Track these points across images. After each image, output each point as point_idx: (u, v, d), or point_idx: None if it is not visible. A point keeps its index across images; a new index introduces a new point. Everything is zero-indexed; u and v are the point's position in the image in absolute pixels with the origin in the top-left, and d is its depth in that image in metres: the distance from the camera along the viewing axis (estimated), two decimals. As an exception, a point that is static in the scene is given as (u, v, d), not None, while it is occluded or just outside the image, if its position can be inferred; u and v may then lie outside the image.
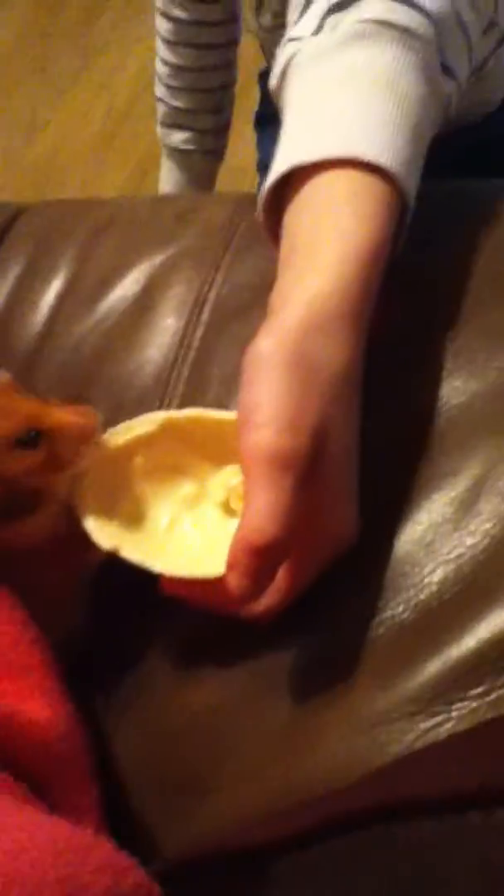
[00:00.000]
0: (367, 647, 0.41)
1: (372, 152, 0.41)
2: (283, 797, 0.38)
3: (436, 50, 0.46)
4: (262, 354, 0.38)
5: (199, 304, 0.57)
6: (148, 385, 0.55)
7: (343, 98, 0.44)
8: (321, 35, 0.47)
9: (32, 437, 0.42)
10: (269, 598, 0.40)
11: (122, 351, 0.57)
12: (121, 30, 1.97)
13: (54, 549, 0.44)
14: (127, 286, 0.60)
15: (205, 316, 0.56)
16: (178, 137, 1.11)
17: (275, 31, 0.96)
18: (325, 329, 0.39)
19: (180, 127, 1.10)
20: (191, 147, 1.12)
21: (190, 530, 0.45)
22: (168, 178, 1.16)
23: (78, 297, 0.61)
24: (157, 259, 0.60)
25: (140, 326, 0.58)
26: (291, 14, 0.50)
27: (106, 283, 0.61)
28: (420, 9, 0.45)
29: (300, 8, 0.49)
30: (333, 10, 0.47)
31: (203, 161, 1.14)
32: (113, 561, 0.43)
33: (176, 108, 1.09)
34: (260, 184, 1.13)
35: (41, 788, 0.37)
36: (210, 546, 0.43)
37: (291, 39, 0.48)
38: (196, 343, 0.55)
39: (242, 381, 0.39)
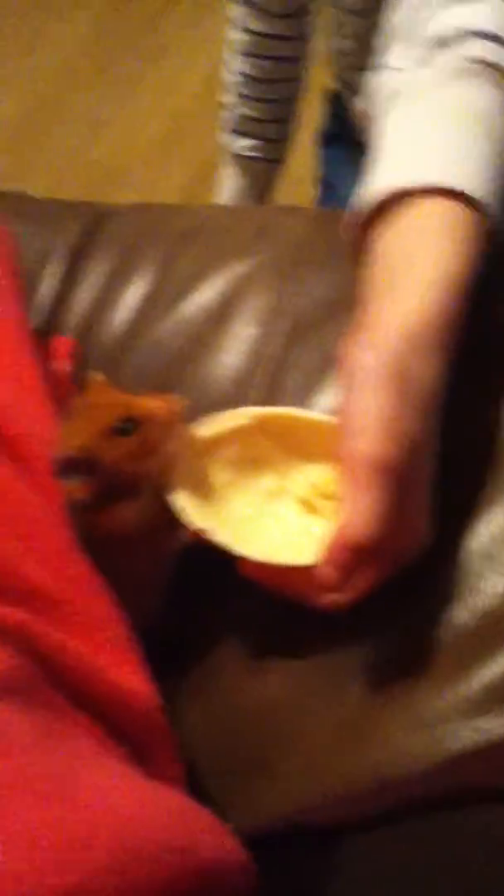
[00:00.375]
0: (430, 648, 0.44)
1: (470, 186, 0.44)
2: (347, 785, 0.41)
3: None
4: (364, 366, 0.41)
5: (276, 315, 0.60)
6: (226, 389, 0.58)
7: (444, 132, 0.47)
8: (425, 69, 0.49)
9: (128, 426, 0.46)
10: (343, 595, 0.43)
11: (200, 355, 0.60)
12: (186, 33, 2.00)
13: (144, 535, 0.47)
14: (208, 293, 0.63)
15: (281, 327, 0.59)
16: (244, 144, 1.14)
17: (351, 54, 0.99)
18: (421, 347, 0.42)
19: (246, 134, 1.13)
20: (257, 154, 1.14)
21: (269, 521, 0.48)
22: (228, 184, 1.19)
23: (161, 300, 0.65)
24: (238, 269, 0.63)
25: (219, 333, 0.61)
26: (388, 42, 0.53)
27: (188, 288, 0.64)
28: None
29: (400, 38, 0.51)
30: (438, 45, 0.49)
31: (267, 169, 1.17)
32: (191, 549, 0.47)
33: (243, 116, 1.12)
34: (323, 198, 1.16)
35: (141, 758, 0.40)
36: (288, 537, 0.47)
37: (390, 68, 0.51)
38: (272, 353, 0.58)
39: (343, 389, 0.42)
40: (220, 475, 0.49)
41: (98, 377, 0.50)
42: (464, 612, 0.44)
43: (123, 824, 0.28)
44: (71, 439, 0.45)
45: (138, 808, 0.30)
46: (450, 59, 0.48)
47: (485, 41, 0.48)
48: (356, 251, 0.50)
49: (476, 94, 0.47)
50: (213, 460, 0.49)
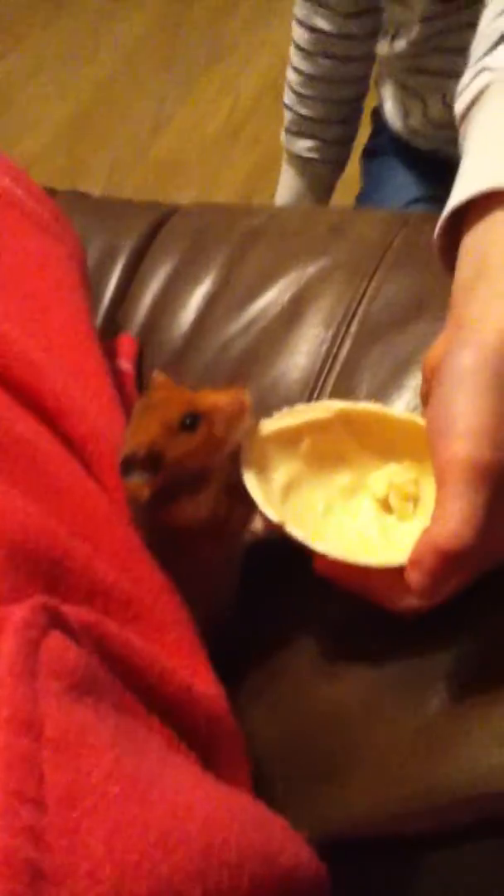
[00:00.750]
0: (510, 662, 0.42)
1: None
2: (419, 798, 0.40)
3: None
4: (464, 367, 0.40)
5: (348, 317, 0.59)
6: (293, 390, 0.58)
7: None
8: None
9: (192, 421, 0.45)
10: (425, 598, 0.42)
11: (269, 355, 0.60)
12: (250, 30, 2.00)
13: (211, 530, 0.47)
14: (277, 293, 0.62)
15: (353, 329, 0.58)
16: (303, 145, 1.13)
17: (406, 59, 0.97)
18: None
19: (305, 135, 1.12)
20: (314, 156, 1.13)
21: (344, 519, 0.47)
22: (287, 184, 1.18)
23: (227, 299, 0.64)
24: (309, 269, 0.62)
25: (288, 333, 0.60)
26: (479, 47, 0.51)
27: (256, 288, 0.63)
28: None
29: (493, 39, 0.50)
30: None
31: (324, 170, 1.16)
32: (259, 545, 0.46)
33: (303, 117, 1.11)
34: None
35: (209, 762, 0.39)
36: (363, 537, 0.46)
37: (485, 69, 0.49)
38: (343, 355, 0.57)
39: (437, 390, 0.40)
40: (294, 467, 0.48)
41: (160, 376, 0.49)
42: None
43: (205, 827, 0.28)
44: (135, 437, 0.45)
45: (218, 811, 0.29)
46: None
47: None
48: (444, 253, 0.48)
49: None
50: (288, 452, 0.48)
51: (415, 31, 0.94)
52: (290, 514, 0.45)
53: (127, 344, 0.67)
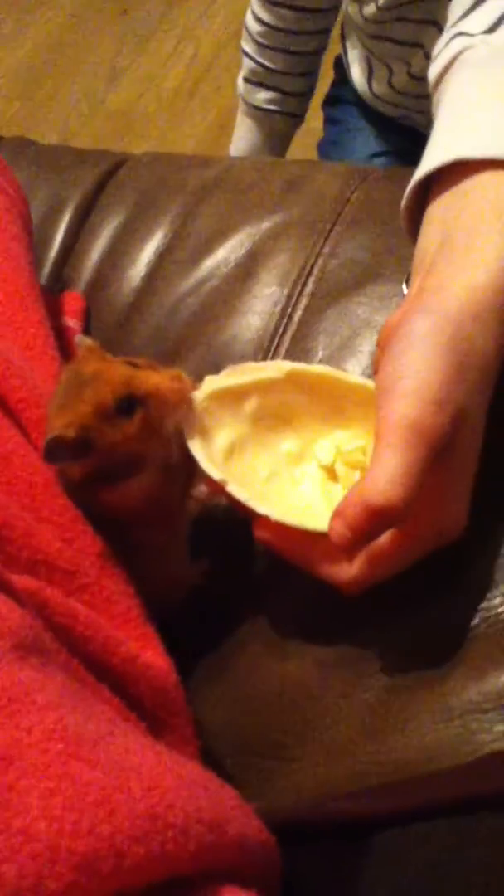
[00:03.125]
0: (462, 637, 0.41)
1: None
2: (369, 776, 0.39)
3: None
4: (417, 330, 0.38)
5: (303, 275, 0.56)
6: (247, 353, 0.55)
7: None
8: (496, 35, 0.46)
9: (129, 406, 0.42)
10: (361, 569, 0.41)
11: (221, 316, 0.57)
12: (209, -23, 1.93)
13: (153, 509, 0.44)
14: (230, 249, 0.60)
15: (309, 288, 0.56)
16: (262, 97, 1.09)
17: (372, 24, 0.94)
18: (484, 320, 0.39)
19: (266, 86, 1.08)
20: (273, 108, 1.10)
21: (287, 486, 0.45)
22: (244, 136, 1.15)
23: (178, 256, 0.61)
24: (263, 225, 0.59)
25: (241, 292, 0.57)
26: (456, 9, 0.49)
27: (208, 244, 0.61)
28: None
29: (469, 4, 0.48)
30: None
31: (283, 123, 1.12)
32: (212, 524, 0.44)
33: (264, 67, 1.07)
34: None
35: (158, 733, 0.38)
36: (307, 504, 0.44)
37: (460, 34, 0.47)
38: (298, 315, 0.55)
39: (389, 351, 0.39)
40: (238, 429, 0.45)
41: (87, 341, 0.45)
42: (497, 598, 0.42)
43: (150, 789, 0.27)
44: (63, 415, 0.41)
45: (166, 775, 0.28)
46: None
47: None
48: (410, 218, 0.47)
49: None
50: (233, 412, 0.45)
51: None
52: (232, 477, 0.42)
53: (73, 301, 0.64)
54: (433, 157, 0.44)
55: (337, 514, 0.38)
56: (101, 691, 0.37)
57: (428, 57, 0.87)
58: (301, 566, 0.43)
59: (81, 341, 0.45)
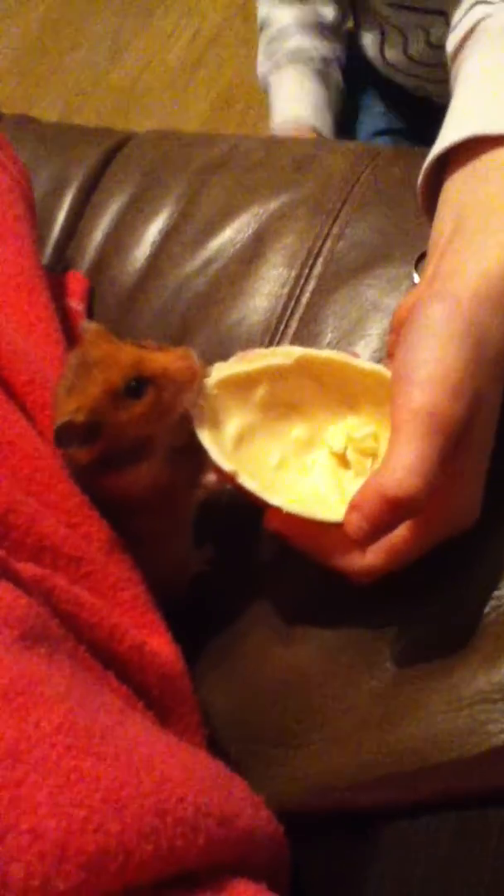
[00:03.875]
0: (472, 627, 0.41)
1: None
2: (376, 765, 0.38)
3: None
4: (432, 317, 0.38)
5: (312, 256, 0.55)
6: (253, 335, 0.54)
7: None
8: None
9: (138, 387, 0.41)
10: (374, 559, 0.40)
11: (228, 297, 0.56)
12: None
13: (159, 496, 0.44)
14: (236, 230, 0.59)
15: (317, 269, 0.55)
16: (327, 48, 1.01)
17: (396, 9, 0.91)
18: (498, 306, 0.38)
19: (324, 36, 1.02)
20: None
21: (297, 474, 0.44)
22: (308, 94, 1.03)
23: (184, 236, 0.60)
24: (271, 205, 0.58)
25: (248, 273, 0.57)
26: None
27: (214, 224, 0.59)
28: None
29: None
30: None
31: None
32: (219, 509, 0.43)
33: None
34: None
35: (164, 722, 0.38)
36: (317, 492, 0.43)
37: (481, 2, 0.46)
38: (306, 298, 0.54)
39: (405, 339, 0.38)
40: (248, 417, 0.44)
41: (93, 325, 0.44)
42: (509, 588, 0.41)
43: (160, 784, 0.26)
44: (73, 400, 0.41)
45: (176, 769, 0.27)
46: None
47: None
48: (427, 195, 0.46)
49: None
50: (242, 399, 0.44)
51: None
52: (241, 467, 0.42)
53: (76, 281, 0.63)
54: (449, 133, 0.43)
55: (353, 507, 0.37)
56: (108, 679, 0.37)
57: (448, 24, 0.85)
58: (312, 556, 0.42)
59: (87, 326, 0.44)
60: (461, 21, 0.47)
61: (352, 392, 0.44)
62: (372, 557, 0.40)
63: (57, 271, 0.63)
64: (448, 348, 0.37)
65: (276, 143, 0.62)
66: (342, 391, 0.44)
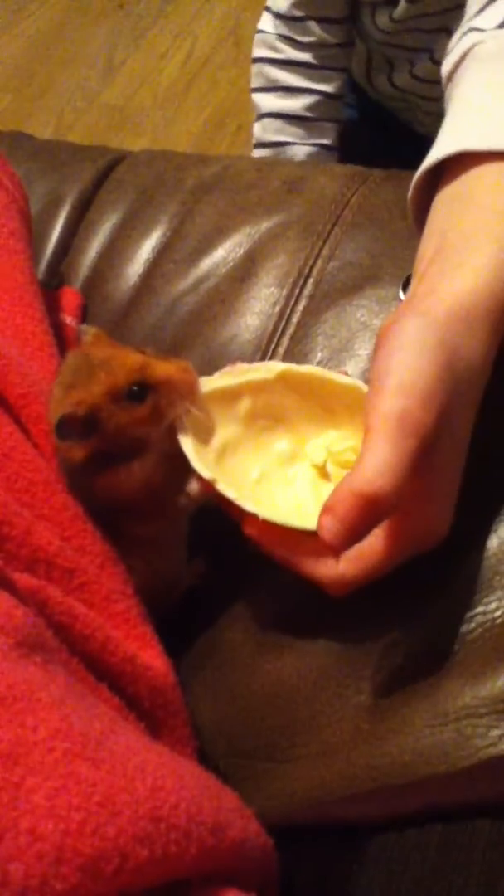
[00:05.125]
0: (457, 641, 0.41)
1: None
2: (363, 779, 0.39)
3: None
4: (407, 331, 0.39)
5: (302, 277, 0.56)
6: (244, 353, 0.55)
7: None
8: None
9: (141, 392, 0.42)
10: (346, 568, 0.41)
11: (219, 315, 0.57)
12: (207, -27, 1.92)
13: (149, 499, 0.45)
14: (229, 249, 0.60)
15: (308, 289, 0.56)
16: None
17: (388, 33, 0.92)
18: (470, 324, 0.39)
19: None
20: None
21: (279, 486, 0.45)
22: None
23: (177, 254, 0.61)
24: (263, 225, 0.59)
25: (240, 292, 0.57)
26: (471, 6, 0.49)
27: (207, 243, 0.60)
28: None
29: (485, 2, 0.48)
30: None
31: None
32: (208, 522, 0.44)
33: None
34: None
35: (155, 734, 0.38)
36: (298, 504, 0.44)
37: (473, 29, 0.47)
38: (297, 317, 0.55)
39: (380, 352, 0.39)
40: (231, 429, 0.46)
41: (93, 329, 0.46)
42: (493, 602, 0.42)
43: (154, 791, 0.27)
44: (74, 395, 0.42)
45: (169, 777, 0.28)
46: None
47: None
48: (418, 209, 0.47)
49: None
50: (226, 413, 0.46)
51: (400, 9, 0.89)
52: (222, 477, 0.43)
53: (70, 297, 0.63)
54: (439, 149, 0.44)
55: (326, 509, 0.37)
56: (100, 691, 0.37)
57: (434, 61, 0.86)
58: (287, 565, 0.43)
59: (86, 330, 0.46)
60: (455, 47, 0.49)
61: (332, 406, 0.45)
62: (345, 567, 0.41)
63: (51, 287, 0.64)
64: (420, 359, 0.38)
65: (268, 165, 0.64)
66: (323, 405, 0.45)
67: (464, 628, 0.41)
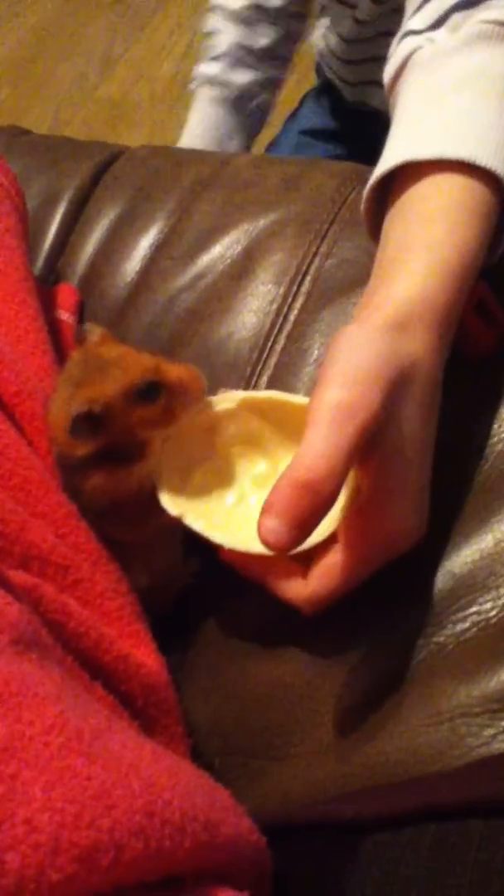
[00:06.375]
0: (452, 641, 0.41)
1: (483, 154, 0.42)
2: (357, 777, 0.39)
3: None
4: (347, 337, 0.40)
5: (300, 274, 0.56)
6: (241, 350, 0.55)
7: (460, 100, 0.45)
8: (442, 31, 0.47)
9: (154, 391, 0.42)
10: (314, 585, 0.41)
11: (217, 313, 0.57)
12: (205, -33, 1.91)
13: (138, 506, 0.45)
14: (226, 246, 0.59)
15: (305, 287, 0.56)
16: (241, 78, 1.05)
17: (340, 52, 0.94)
18: (408, 329, 0.40)
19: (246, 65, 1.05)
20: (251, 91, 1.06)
21: (255, 508, 0.45)
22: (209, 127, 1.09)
23: (174, 251, 0.61)
24: (260, 222, 0.59)
25: (237, 289, 0.57)
26: (409, 6, 0.50)
27: (204, 240, 0.60)
28: None
29: (419, 2, 0.49)
30: (460, 6, 0.47)
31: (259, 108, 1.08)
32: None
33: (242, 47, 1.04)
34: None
35: (149, 732, 0.38)
36: None
37: (410, 32, 0.48)
38: (294, 315, 0.55)
39: (323, 361, 0.40)
40: (212, 458, 0.46)
41: (98, 329, 0.46)
42: (489, 602, 0.42)
43: (148, 786, 0.27)
44: (87, 394, 0.42)
45: (163, 773, 0.28)
46: (471, 21, 0.46)
47: None
48: (370, 226, 0.48)
49: (498, 57, 0.45)
50: (206, 443, 0.47)
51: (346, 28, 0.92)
52: (198, 506, 0.44)
53: (67, 294, 0.63)
54: (383, 162, 0.45)
55: (264, 510, 0.37)
56: (94, 688, 0.37)
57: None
58: (262, 587, 0.43)
59: (92, 329, 0.46)
60: (394, 53, 0.50)
61: (297, 426, 0.45)
62: (314, 584, 0.41)
63: (48, 283, 0.64)
64: (359, 356, 0.39)
65: (266, 162, 0.63)
66: (287, 427, 0.46)
67: (458, 628, 0.42)
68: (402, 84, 0.49)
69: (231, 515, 0.45)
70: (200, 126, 1.08)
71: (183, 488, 0.44)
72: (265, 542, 0.36)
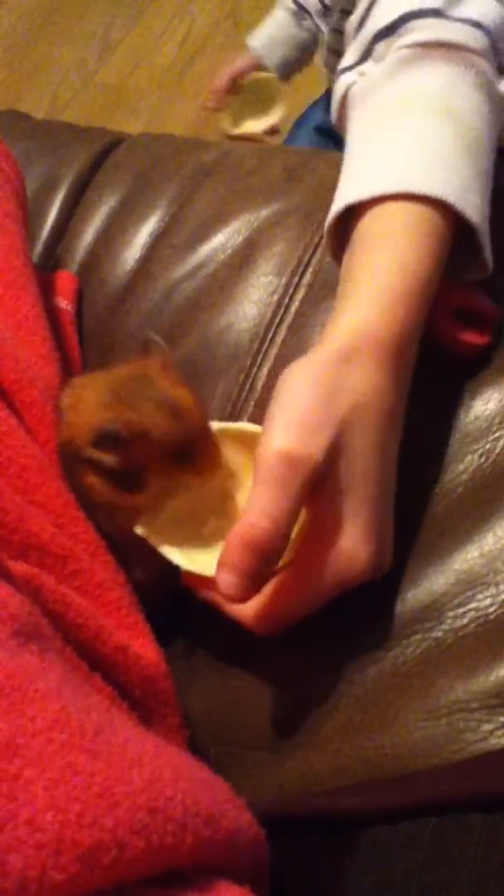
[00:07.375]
0: (450, 636, 0.41)
1: (424, 183, 0.42)
2: (354, 771, 0.39)
3: (491, 57, 0.46)
4: (289, 375, 0.41)
5: (301, 265, 0.56)
6: (241, 341, 0.55)
7: (395, 130, 0.45)
8: (370, 63, 0.48)
9: (187, 457, 0.43)
10: (259, 606, 0.41)
11: (217, 302, 0.57)
12: (206, -47, 1.89)
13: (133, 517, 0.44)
14: (227, 235, 0.59)
15: (307, 278, 0.55)
16: None
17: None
18: (352, 360, 0.41)
19: None
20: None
21: (211, 535, 0.45)
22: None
23: (175, 239, 0.60)
24: (262, 212, 0.59)
25: (238, 279, 0.57)
26: (346, 42, 0.50)
27: (205, 229, 0.60)
28: (470, 22, 0.45)
29: (352, 36, 0.50)
30: (380, 36, 0.47)
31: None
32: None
33: None
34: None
35: (147, 723, 0.38)
36: None
37: (344, 69, 0.49)
38: (295, 306, 0.55)
39: (272, 399, 0.41)
40: (195, 490, 0.45)
41: (164, 348, 0.46)
42: (488, 598, 0.42)
43: (151, 782, 0.27)
44: (126, 416, 0.41)
45: (165, 768, 0.28)
46: (394, 47, 0.46)
47: (429, 19, 0.46)
48: (337, 263, 0.48)
49: (425, 79, 0.45)
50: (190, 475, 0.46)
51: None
52: (171, 533, 0.44)
53: (66, 281, 0.63)
54: (335, 203, 0.46)
55: (219, 565, 0.38)
56: (93, 679, 0.37)
57: None
58: (217, 609, 0.43)
59: (158, 344, 0.46)
60: (334, 90, 0.51)
61: None
62: (264, 605, 0.42)
63: (46, 270, 0.63)
64: (299, 400, 0.39)
65: (268, 152, 0.63)
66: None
67: (456, 624, 0.42)
68: (345, 121, 0.50)
69: (205, 542, 0.45)
70: None
71: (159, 514, 0.44)
72: (225, 597, 0.38)
